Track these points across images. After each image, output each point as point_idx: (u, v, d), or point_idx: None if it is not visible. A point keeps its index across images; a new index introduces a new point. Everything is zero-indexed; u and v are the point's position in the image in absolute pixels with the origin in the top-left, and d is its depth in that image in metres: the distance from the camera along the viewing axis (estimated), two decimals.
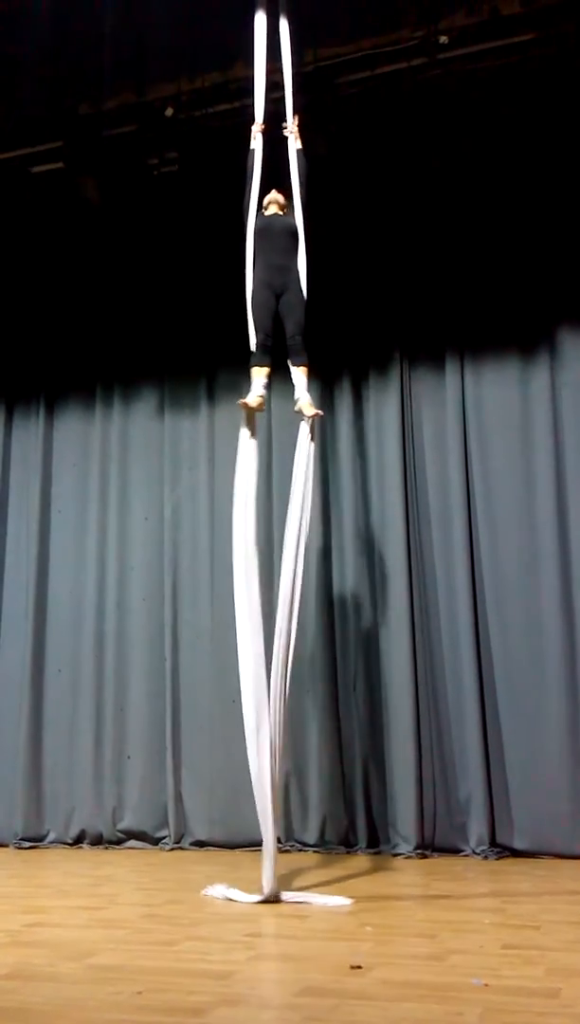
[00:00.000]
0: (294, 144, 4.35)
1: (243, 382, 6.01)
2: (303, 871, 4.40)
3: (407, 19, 4.91)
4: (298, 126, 4.36)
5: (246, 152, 4.36)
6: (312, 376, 5.54)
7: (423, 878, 4.28)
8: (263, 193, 4.30)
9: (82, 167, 5.69)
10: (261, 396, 4.10)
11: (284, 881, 4.11)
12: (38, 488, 6.03)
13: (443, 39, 4.84)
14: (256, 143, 4.33)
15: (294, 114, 4.35)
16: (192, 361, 5.93)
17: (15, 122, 5.59)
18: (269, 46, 4.37)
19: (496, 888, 4.03)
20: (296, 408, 4.12)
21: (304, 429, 4.07)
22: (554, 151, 5.23)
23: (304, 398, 4.10)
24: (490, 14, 4.81)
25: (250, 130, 4.38)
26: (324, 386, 5.56)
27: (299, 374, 4.12)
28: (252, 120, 4.41)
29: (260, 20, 4.36)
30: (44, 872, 4.86)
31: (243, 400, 4.11)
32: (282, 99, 4.40)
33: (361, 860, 4.83)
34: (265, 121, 4.38)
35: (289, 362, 4.13)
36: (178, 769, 5.43)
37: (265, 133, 4.36)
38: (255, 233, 4.20)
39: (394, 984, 2.42)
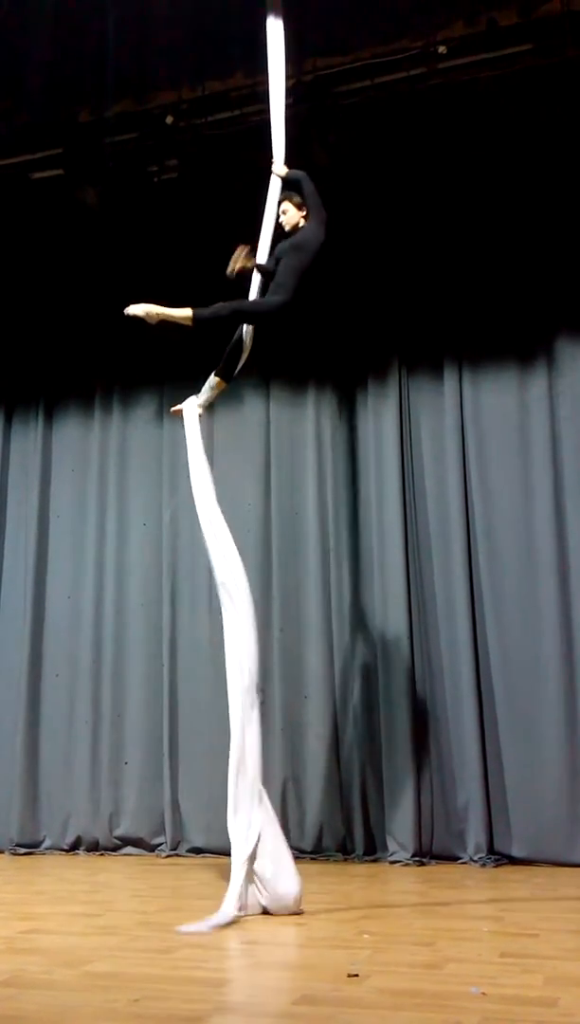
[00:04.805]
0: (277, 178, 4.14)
1: (240, 389, 6.05)
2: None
3: (406, 30, 4.95)
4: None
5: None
6: (312, 384, 5.61)
7: (421, 886, 4.27)
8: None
9: (82, 174, 5.71)
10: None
11: None
12: (37, 493, 6.03)
13: (442, 49, 4.88)
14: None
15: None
16: (191, 367, 5.93)
17: (16, 128, 5.61)
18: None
19: (494, 896, 4.02)
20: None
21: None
22: (552, 161, 5.26)
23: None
24: (488, 25, 4.86)
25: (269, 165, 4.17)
26: (323, 394, 5.58)
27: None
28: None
29: (273, 26, 4.19)
30: (40, 878, 4.84)
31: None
32: (289, 107, 4.31)
33: (358, 867, 4.83)
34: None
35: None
36: (175, 775, 5.42)
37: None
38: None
39: (392, 992, 2.42)
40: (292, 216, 4.11)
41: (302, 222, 4.08)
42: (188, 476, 5.77)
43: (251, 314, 3.94)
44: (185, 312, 3.87)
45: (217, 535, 3.86)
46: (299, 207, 4.10)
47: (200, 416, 4.12)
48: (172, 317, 3.89)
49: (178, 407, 4.19)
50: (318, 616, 5.29)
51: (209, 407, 4.25)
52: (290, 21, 4.43)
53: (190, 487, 5.76)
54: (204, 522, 3.91)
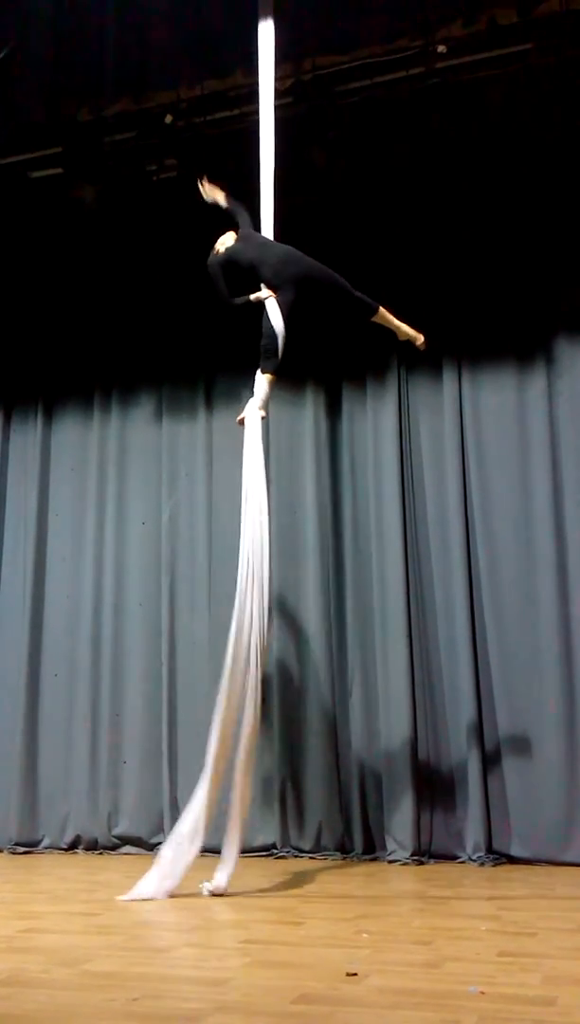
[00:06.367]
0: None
1: (241, 388, 6.05)
2: (298, 877, 4.40)
3: (405, 29, 4.95)
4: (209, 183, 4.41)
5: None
6: (311, 383, 5.61)
7: (419, 885, 4.27)
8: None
9: (81, 173, 5.71)
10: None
11: (281, 886, 4.11)
12: (35, 492, 6.03)
13: (441, 49, 4.89)
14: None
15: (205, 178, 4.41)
16: (190, 367, 5.95)
17: (15, 127, 5.61)
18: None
19: (492, 895, 4.03)
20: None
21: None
22: (552, 160, 5.26)
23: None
24: (487, 24, 4.86)
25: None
26: (322, 393, 5.58)
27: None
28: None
29: (264, 29, 4.31)
30: (38, 877, 4.84)
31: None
32: (288, 106, 4.40)
33: (357, 867, 4.83)
34: None
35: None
36: (174, 774, 5.42)
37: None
38: None
39: (390, 991, 2.42)
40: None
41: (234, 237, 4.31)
42: (187, 475, 5.83)
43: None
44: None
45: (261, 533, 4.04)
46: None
47: (262, 419, 4.18)
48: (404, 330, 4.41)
49: (242, 416, 4.23)
50: (318, 616, 5.29)
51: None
52: (289, 20, 4.44)
53: (188, 487, 5.81)
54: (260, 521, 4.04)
